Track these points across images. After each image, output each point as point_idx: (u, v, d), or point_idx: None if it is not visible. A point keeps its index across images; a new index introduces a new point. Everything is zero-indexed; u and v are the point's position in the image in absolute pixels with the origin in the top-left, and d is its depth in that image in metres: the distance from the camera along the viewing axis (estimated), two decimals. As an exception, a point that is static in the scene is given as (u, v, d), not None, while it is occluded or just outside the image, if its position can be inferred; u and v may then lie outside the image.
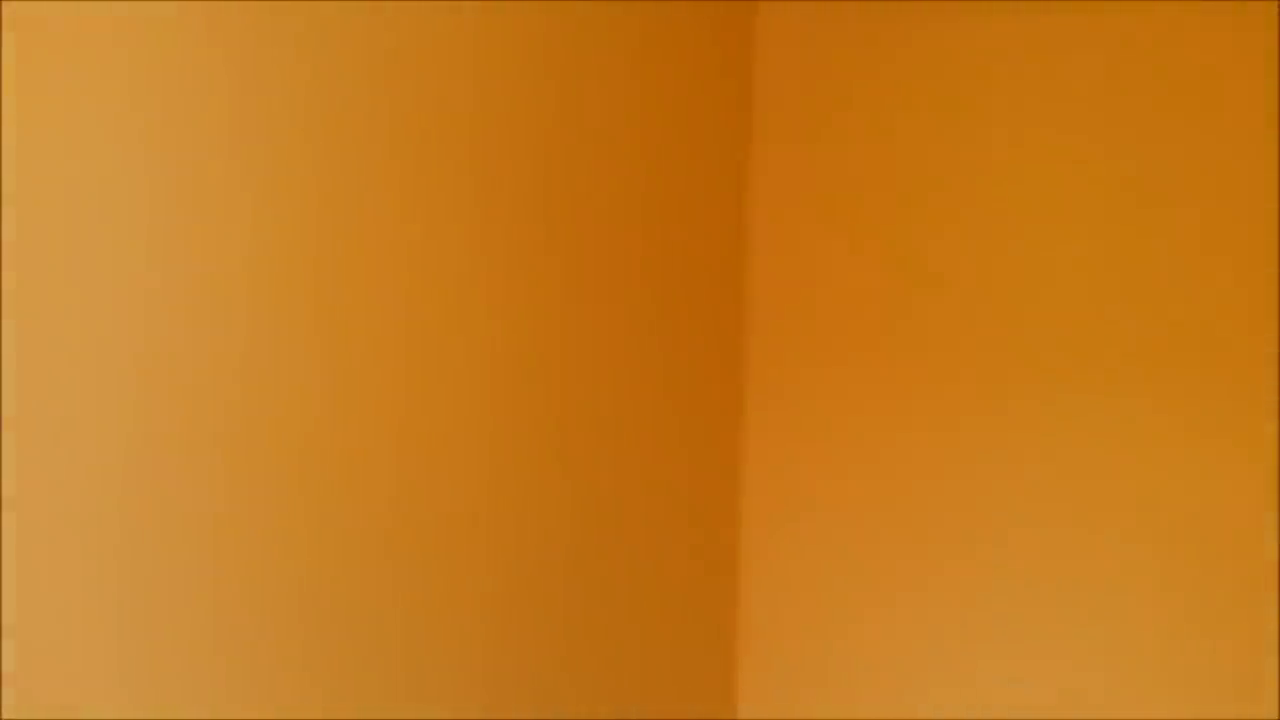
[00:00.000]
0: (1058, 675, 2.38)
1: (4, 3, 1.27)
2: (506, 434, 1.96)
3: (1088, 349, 2.44)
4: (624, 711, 2.11)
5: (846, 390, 2.60)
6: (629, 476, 2.21)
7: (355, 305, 1.72)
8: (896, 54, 2.63)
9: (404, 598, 1.74)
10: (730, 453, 2.53)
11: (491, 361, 1.94)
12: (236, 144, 1.54)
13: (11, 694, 1.22)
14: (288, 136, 1.61)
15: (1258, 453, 2.30)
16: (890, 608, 2.46)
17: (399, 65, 1.74)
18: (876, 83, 2.64)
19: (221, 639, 1.49)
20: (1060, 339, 2.46)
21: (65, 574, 1.33)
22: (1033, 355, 2.49)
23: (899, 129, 2.60)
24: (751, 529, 2.56)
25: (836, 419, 2.60)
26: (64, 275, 1.33)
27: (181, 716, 1.42)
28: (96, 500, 1.37)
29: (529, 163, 2.00)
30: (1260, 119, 2.34)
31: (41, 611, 1.29)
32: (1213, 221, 2.36)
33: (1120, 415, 2.38)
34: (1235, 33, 2.37)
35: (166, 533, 1.44)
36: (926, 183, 2.58)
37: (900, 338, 2.59)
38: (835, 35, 2.64)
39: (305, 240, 1.64)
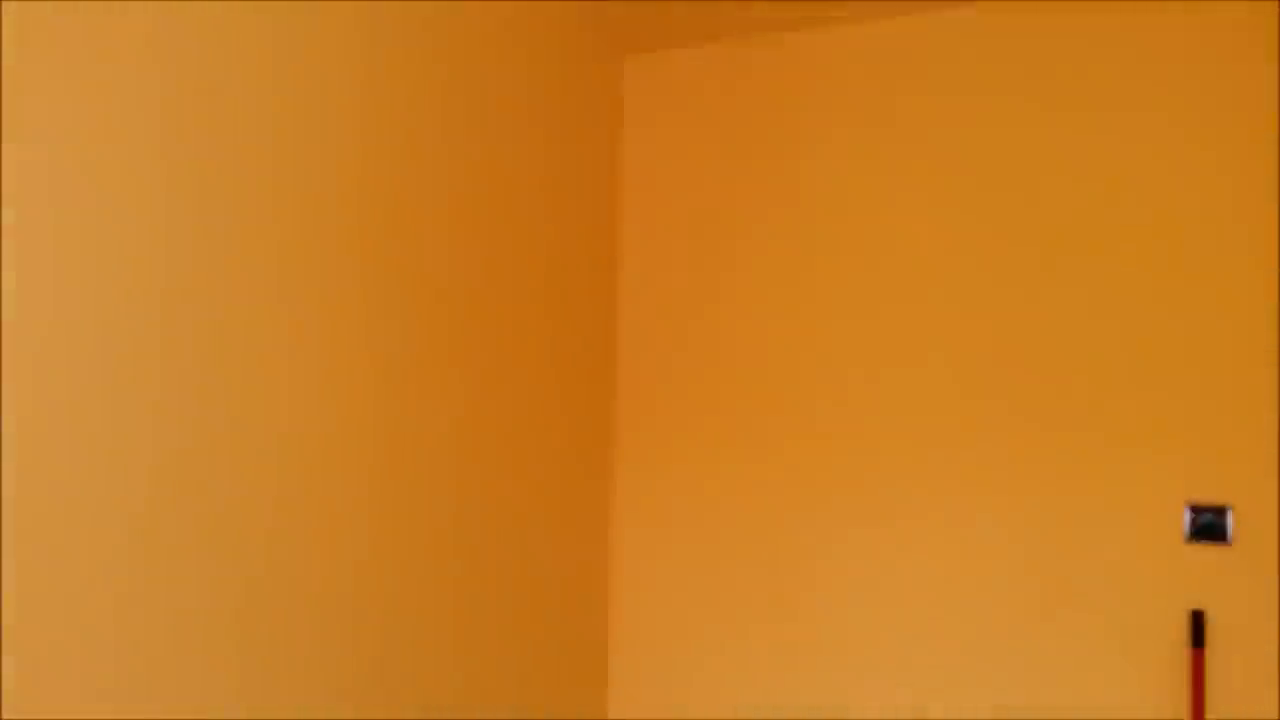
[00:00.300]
0: (880, 683, 2.61)
1: (4, 2, 1.27)
2: (406, 452, 2.09)
3: (919, 423, 2.61)
4: (511, 712, 2.28)
5: (704, 434, 2.83)
6: (515, 509, 2.34)
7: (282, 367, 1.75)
8: (752, 95, 2.87)
9: (314, 604, 1.79)
10: (602, 486, 2.78)
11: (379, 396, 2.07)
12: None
13: (11, 693, 1.21)
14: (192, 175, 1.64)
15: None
16: (739, 626, 2.75)
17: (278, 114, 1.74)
18: (733, 125, 2.87)
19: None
20: (895, 416, 2.63)
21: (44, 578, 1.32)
22: (870, 426, 2.68)
23: (760, 173, 2.84)
24: (620, 555, 2.84)
25: (694, 462, 2.82)
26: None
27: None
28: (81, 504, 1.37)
29: (410, 234, 2.05)
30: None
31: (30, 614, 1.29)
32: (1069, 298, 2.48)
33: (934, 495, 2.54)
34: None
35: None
36: (783, 233, 2.81)
37: (751, 401, 2.80)
38: (695, 83, 2.91)
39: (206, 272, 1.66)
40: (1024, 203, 2.58)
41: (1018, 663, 2.50)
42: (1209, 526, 2.36)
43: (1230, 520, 2.35)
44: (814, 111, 2.79)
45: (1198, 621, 2.34)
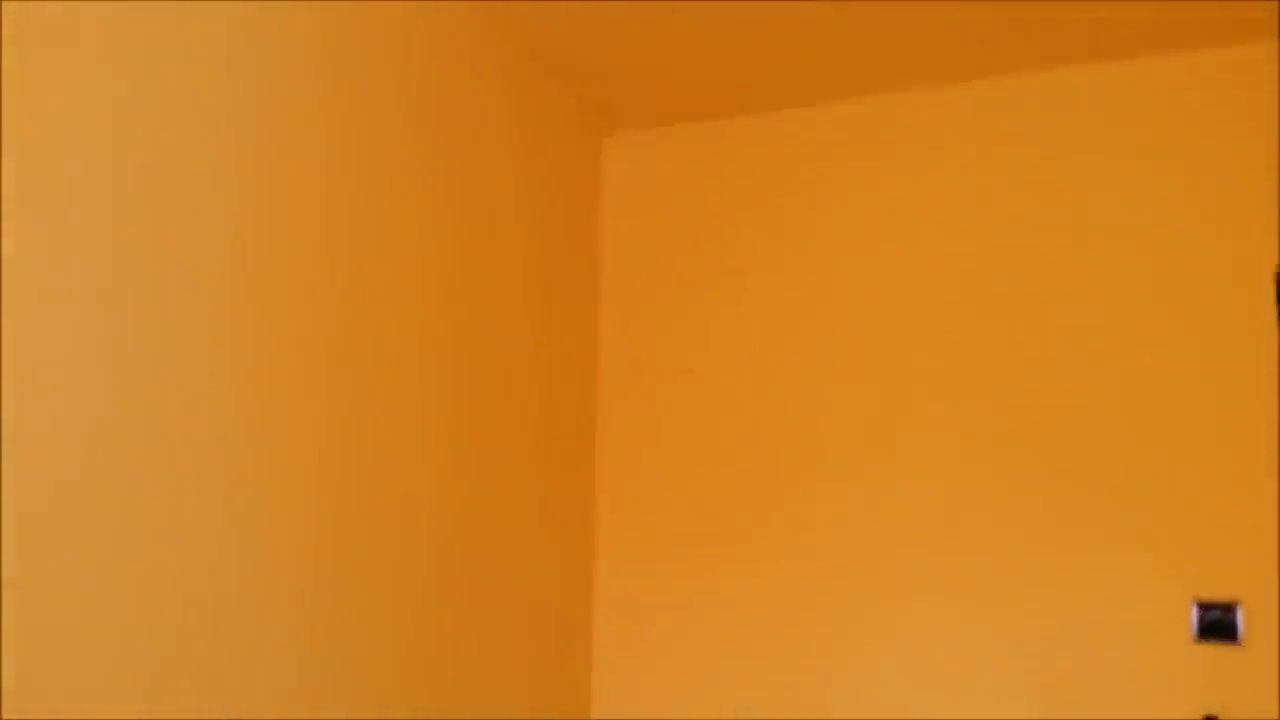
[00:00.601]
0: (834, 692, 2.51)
1: (4, 2, 1.27)
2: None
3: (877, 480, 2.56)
4: (494, 712, 2.33)
5: (687, 451, 2.83)
6: (501, 517, 2.40)
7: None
8: (726, 173, 2.94)
9: (320, 615, 1.87)
10: (586, 488, 2.85)
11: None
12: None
13: (11, 694, 1.20)
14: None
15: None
16: (722, 629, 2.73)
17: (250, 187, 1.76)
18: (711, 203, 2.94)
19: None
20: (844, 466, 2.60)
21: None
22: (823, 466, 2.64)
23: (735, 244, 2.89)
24: (604, 558, 2.88)
25: (677, 470, 2.82)
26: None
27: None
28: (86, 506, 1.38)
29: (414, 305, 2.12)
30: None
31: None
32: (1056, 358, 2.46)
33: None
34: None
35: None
36: (751, 297, 2.86)
37: (717, 425, 2.79)
38: (673, 161, 3.00)
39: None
40: (1021, 284, 2.57)
41: (1023, 771, 2.37)
42: (1218, 624, 2.28)
43: (1240, 617, 2.27)
44: (793, 188, 2.83)
45: (1210, 727, 2.23)
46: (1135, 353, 2.45)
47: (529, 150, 2.59)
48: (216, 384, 1.59)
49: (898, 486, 2.60)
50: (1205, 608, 2.30)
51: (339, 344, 1.88)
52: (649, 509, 2.83)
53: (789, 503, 2.70)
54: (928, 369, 2.62)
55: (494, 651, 2.33)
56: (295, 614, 1.74)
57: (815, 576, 2.64)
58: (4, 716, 1.17)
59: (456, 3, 2.26)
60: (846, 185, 2.78)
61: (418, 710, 2.05)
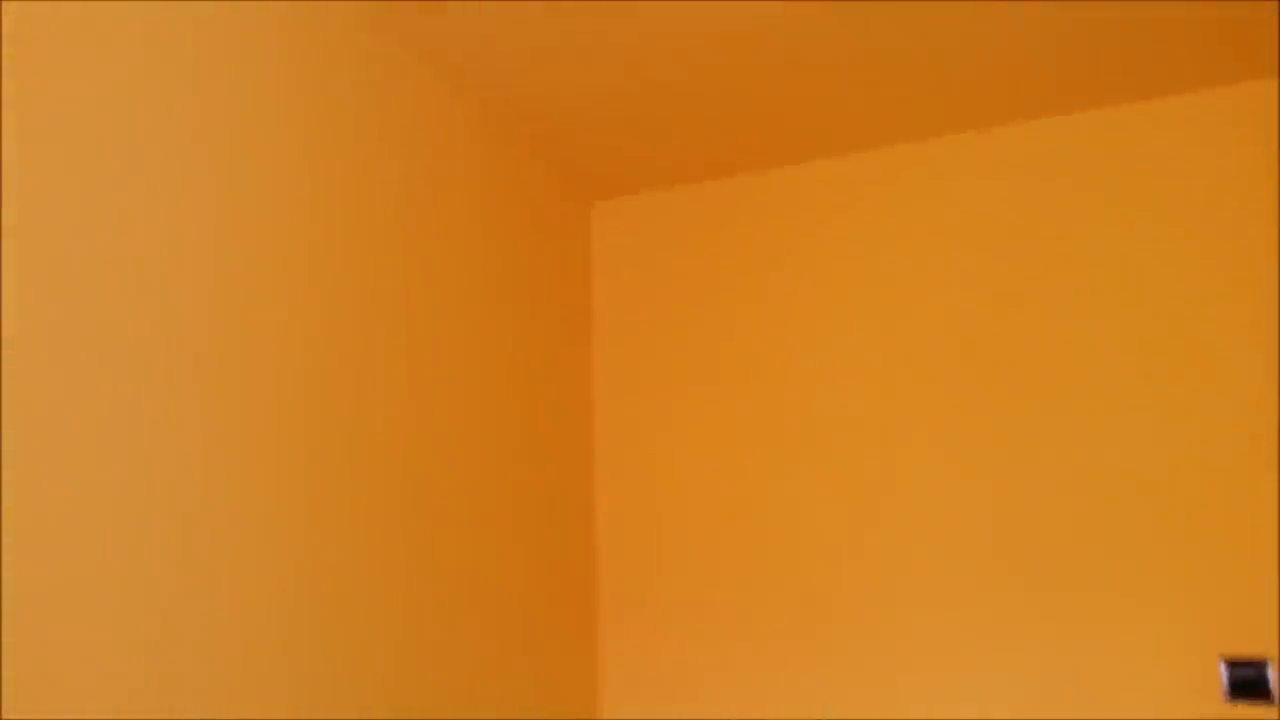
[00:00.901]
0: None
1: (4, 2, 1.32)
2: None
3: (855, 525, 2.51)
4: (501, 713, 2.34)
5: (677, 481, 2.82)
6: (503, 515, 2.49)
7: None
8: (712, 235, 3.00)
9: (334, 618, 1.90)
10: (584, 494, 2.85)
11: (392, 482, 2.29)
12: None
13: (11, 694, 1.20)
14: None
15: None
16: (731, 627, 2.71)
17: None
18: (701, 264, 2.99)
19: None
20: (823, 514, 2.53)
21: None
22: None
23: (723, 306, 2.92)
24: (608, 554, 2.87)
25: (677, 464, 2.75)
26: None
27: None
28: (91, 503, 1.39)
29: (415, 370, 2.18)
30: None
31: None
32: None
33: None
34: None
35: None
36: (741, 346, 2.89)
37: (721, 440, 2.73)
38: (661, 224, 3.06)
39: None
40: (1031, 342, 2.55)
41: None
42: (1250, 683, 2.17)
43: (1272, 675, 2.16)
44: (786, 244, 2.85)
45: (1251, 793, 2.10)
46: (1151, 406, 2.41)
47: (517, 219, 2.66)
48: (205, 392, 1.60)
49: (913, 549, 2.53)
50: (1234, 665, 2.19)
51: (329, 416, 1.91)
52: (653, 513, 2.83)
53: (793, 510, 2.67)
54: (934, 426, 2.57)
55: (499, 652, 2.34)
56: (295, 616, 1.73)
57: (824, 579, 2.58)
58: (4, 717, 1.16)
59: (438, 80, 2.33)
60: (841, 238, 2.80)
61: (424, 711, 2.05)
